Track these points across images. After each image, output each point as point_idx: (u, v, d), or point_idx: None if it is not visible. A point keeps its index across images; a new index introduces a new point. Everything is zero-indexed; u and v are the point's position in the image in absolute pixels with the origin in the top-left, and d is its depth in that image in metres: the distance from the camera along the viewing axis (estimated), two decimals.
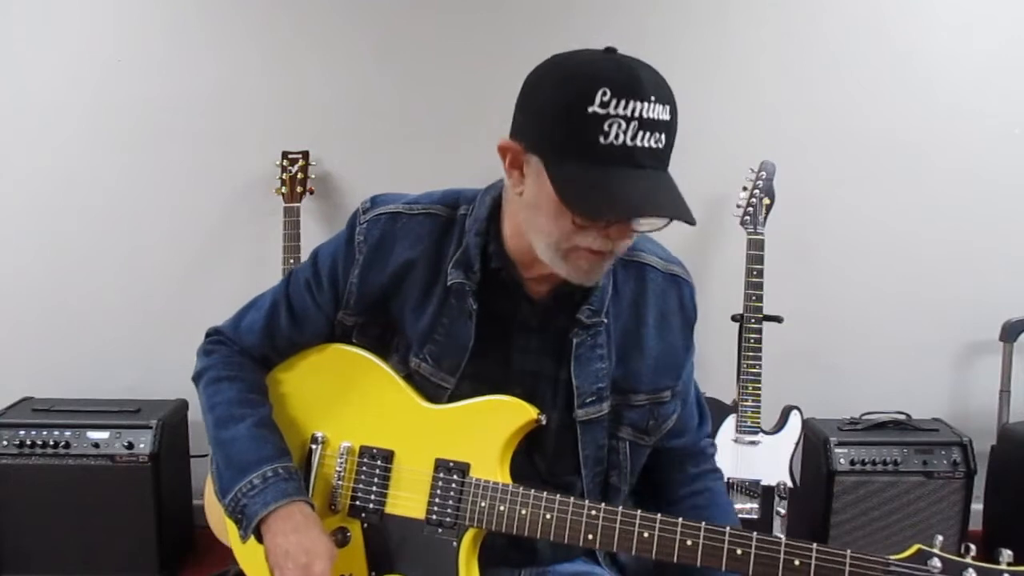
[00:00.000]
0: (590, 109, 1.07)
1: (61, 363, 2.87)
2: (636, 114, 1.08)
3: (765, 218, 2.60)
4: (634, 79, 1.09)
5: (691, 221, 1.09)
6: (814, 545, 1.13)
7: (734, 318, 2.60)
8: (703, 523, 1.18)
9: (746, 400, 2.55)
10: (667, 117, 1.11)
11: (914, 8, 2.84)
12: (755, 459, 2.56)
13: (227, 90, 2.82)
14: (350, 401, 1.36)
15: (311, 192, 2.74)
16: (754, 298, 2.56)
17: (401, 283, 1.32)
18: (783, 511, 2.55)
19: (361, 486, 1.34)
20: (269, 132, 2.80)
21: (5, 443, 2.49)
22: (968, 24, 2.83)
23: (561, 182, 1.11)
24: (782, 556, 1.14)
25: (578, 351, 1.30)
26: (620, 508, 1.22)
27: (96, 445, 2.50)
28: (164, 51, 2.80)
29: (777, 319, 2.58)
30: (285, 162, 2.72)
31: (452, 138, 2.83)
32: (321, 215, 2.86)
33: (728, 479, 2.56)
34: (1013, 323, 2.80)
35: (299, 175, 2.71)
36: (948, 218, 2.91)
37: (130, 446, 2.50)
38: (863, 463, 2.59)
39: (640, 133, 1.09)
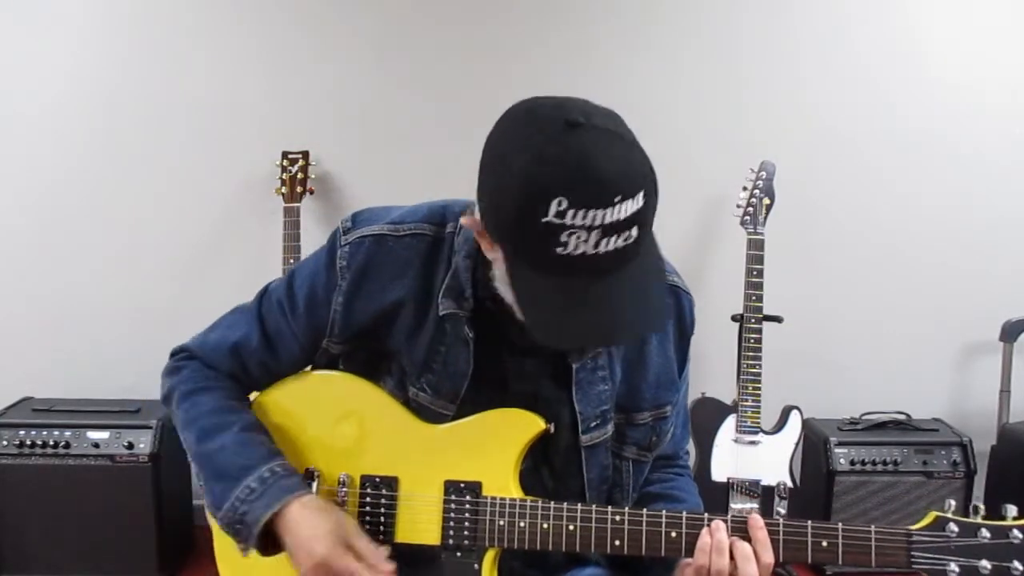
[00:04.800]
0: (544, 219, 0.96)
1: (61, 363, 2.86)
2: (598, 223, 0.96)
3: (765, 218, 2.60)
4: (593, 181, 0.95)
5: (656, 329, 1.04)
6: (839, 525, 1.16)
7: (734, 318, 2.60)
8: (729, 515, 1.16)
9: (746, 400, 2.55)
10: (638, 206, 0.98)
11: (915, 8, 2.84)
12: (755, 459, 2.56)
13: (227, 90, 2.82)
14: (343, 430, 1.29)
15: (311, 192, 2.74)
16: (754, 298, 2.56)
17: (392, 315, 1.25)
18: (783, 511, 2.54)
19: (367, 517, 1.26)
20: (269, 132, 2.80)
21: (5, 443, 2.49)
22: (969, 24, 2.83)
23: (524, 297, 1.05)
24: (810, 539, 1.15)
25: (578, 376, 1.25)
26: (644, 510, 1.18)
27: (96, 445, 2.50)
28: (164, 51, 2.80)
29: (777, 319, 2.58)
30: (285, 162, 2.72)
31: (452, 138, 2.82)
32: (321, 215, 2.85)
33: (728, 479, 2.56)
34: (1013, 323, 2.80)
35: (299, 175, 2.71)
36: (948, 218, 2.91)
37: (130, 446, 2.50)
38: (863, 463, 2.60)
39: (604, 240, 0.97)
